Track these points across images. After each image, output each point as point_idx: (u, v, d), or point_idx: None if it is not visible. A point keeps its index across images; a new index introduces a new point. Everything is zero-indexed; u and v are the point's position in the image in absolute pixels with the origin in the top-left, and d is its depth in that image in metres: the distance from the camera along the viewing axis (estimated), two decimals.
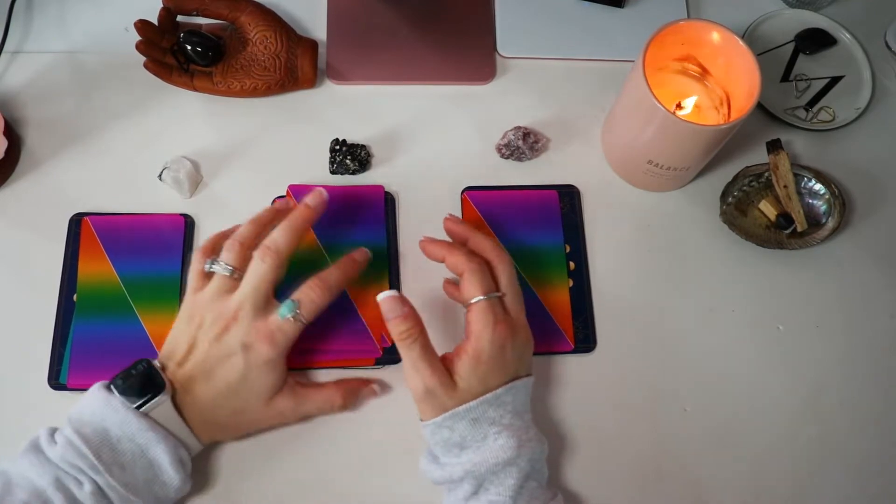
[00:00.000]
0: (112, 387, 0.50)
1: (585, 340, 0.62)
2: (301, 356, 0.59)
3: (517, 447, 0.50)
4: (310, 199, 0.56)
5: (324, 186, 0.64)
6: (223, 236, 0.56)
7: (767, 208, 0.67)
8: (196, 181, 0.65)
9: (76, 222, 0.63)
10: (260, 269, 0.52)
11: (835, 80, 0.73)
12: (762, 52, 0.74)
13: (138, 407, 0.49)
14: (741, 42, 0.59)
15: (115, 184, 0.65)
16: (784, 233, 0.66)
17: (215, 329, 0.51)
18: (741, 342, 0.64)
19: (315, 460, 0.57)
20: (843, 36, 0.75)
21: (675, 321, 0.64)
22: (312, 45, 0.67)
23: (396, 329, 0.51)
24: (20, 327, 0.60)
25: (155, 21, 0.65)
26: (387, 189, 0.65)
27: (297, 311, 0.52)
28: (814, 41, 0.74)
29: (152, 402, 0.49)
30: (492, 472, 0.50)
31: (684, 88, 0.65)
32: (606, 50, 0.72)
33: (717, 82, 0.64)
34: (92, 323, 0.59)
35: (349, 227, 0.63)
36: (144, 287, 0.61)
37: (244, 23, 0.65)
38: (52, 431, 0.50)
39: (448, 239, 0.58)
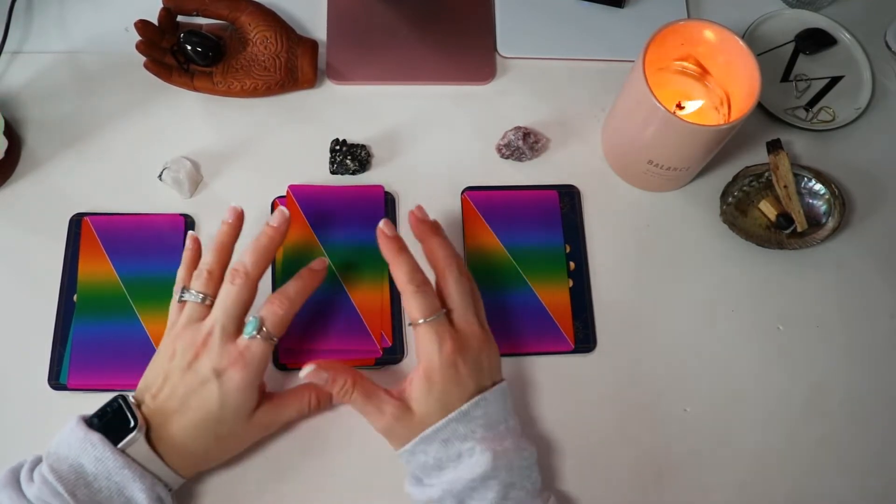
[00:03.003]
0: (89, 424, 0.49)
1: (585, 340, 0.62)
2: (301, 356, 0.60)
3: (492, 460, 0.50)
4: (273, 220, 0.54)
5: (324, 186, 0.65)
6: (190, 268, 0.55)
7: (767, 208, 0.67)
8: (196, 181, 0.65)
9: (76, 222, 0.63)
10: (230, 291, 0.51)
11: (835, 80, 0.73)
12: (762, 52, 0.74)
13: (115, 444, 0.48)
14: (741, 42, 0.59)
15: (115, 184, 0.65)
16: (784, 233, 0.66)
17: (187, 357, 0.51)
18: (741, 342, 0.64)
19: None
20: (843, 36, 0.75)
21: (675, 321, 0.64)
22: (312, 45, 0.67)
23: (333, 391, 0.52)
24: (20, 327, 0.60)
25: (155, 21, 0.65)
26: (387, 189, 0.65)
27: (262, 327, 0.51)
28: (814, 41, 0.74)
29: (126, 439, 0.48)
30: (469, 489, 0.50)
31: (684, 88, 0.65)
32: (606, 50, 0.72)
33: (717, 82, 0.64)
34: (92, 323, 0.59)
35: (349, 227, 0.63)
36: (144, 287, 0.61)
37: (244, 23, 0.65)
38: (35, 464, 0.49)
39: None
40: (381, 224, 0.55)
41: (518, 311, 0.62)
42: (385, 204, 0.65)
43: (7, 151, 0.62)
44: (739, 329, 0.64)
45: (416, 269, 0.53)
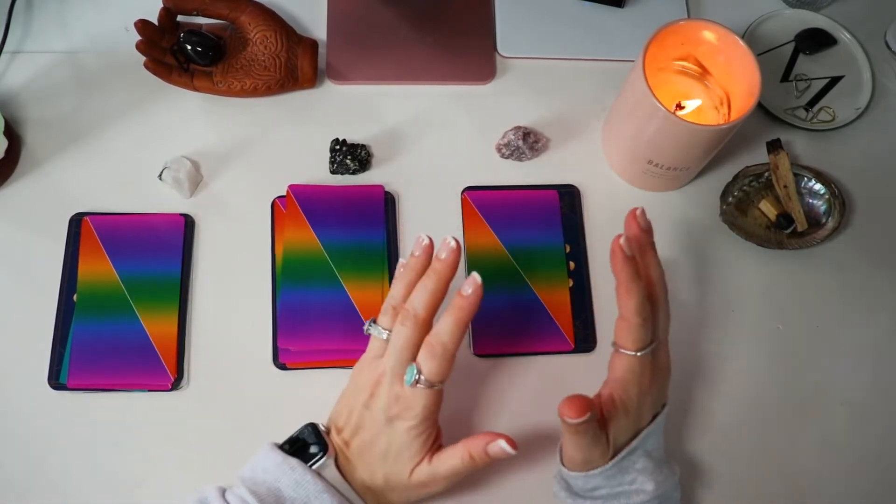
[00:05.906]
0: (283, 450, 0.49)
1: (585, 340, 0.62)
2: (300, 356, 0.60)
3: (654, 490, 0.51)
4: (442, 252, 0.50)
5: (324, 186, 0.65)
6: (405, 287, 0.53)
7: (767, 208, 0.67)
8: (196, 181, 0.65)
9: (76, 222, 0.63)
10: (399, 333, 0.49)
11: (835, 80, 0.73)
12: (762, 52, 0.74)
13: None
14: (741, 42, 0.59)
15: (115, 184, 0.65)
16: (784, 233, 0.66)
17: (364, 396, 0.50)
18: (741, 342, 0.64)
19: None
20: (843, 36, 0.75)
21: (674, 321, 0.63)
22: (312, 45, 0.67)
23: (580, 432, 0.49)
24: (20, 327, 0.60)
25: (155, 21, 0.65)
26: (387, 189, 0.65)
27: (418, 375, 0.48)
28: (814, 41, 0.74)
29: (320, 461, 0.48)
30: None
31: (684, 88, 0.65)
32: (606, 50, 0.72)
33: (717, 82, 0.64)
34: (92, 323, 0.59)
35: (349, 227, 0.63)
36: (144, 287, 0.60)
37: (244, 23, 0.65)
38: (222, 492, 0.48)
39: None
40: (621, 241, 0.50)
41: (518, 311, 0.62)
42: (385, 204, 0.65)
43: (7, 151, 0.62)
44: (739, 329, 0.64)
45: (645, 300, 0.50)
